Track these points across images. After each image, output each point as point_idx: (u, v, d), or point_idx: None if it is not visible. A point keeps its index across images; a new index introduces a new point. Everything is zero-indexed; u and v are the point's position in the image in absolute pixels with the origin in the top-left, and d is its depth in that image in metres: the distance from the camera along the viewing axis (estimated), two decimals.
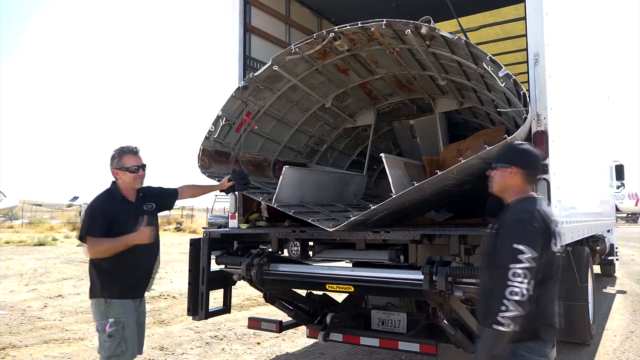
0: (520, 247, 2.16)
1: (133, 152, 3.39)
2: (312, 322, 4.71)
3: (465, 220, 4.39)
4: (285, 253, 4.55)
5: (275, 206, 4.25)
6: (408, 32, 3.74)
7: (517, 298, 2.11)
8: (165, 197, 3.67)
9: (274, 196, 4.29)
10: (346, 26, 3.98)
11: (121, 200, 3.36)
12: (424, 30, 3.66)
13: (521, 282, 2.12)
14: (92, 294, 3.27)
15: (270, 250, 4.54)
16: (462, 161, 3.17)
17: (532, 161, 2.49)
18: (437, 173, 3.31)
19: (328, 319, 4.27)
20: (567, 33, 4.79)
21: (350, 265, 4.54)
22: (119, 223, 3.23)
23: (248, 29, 5.22)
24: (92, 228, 3.18)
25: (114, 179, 3.40)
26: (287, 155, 5.42)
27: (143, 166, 3.40)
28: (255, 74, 4.46)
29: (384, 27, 3.83)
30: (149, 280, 3.49)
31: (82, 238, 3.22)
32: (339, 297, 4.90)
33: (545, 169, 3.52)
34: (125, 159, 3.34)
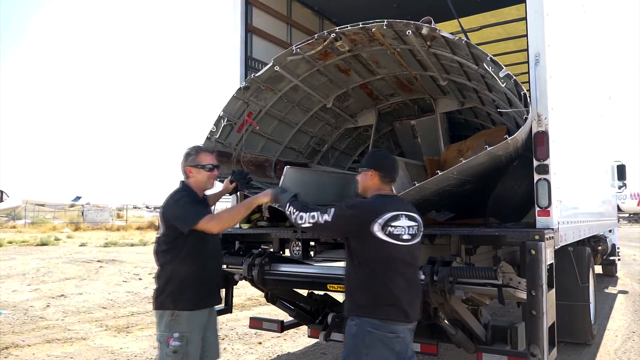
0: (332, 210, 2.71)
1: (209, 151, 3.34)
2: (314, 322, 4.73)
3: (466, 220, 4.39)
4: (287, 253, 4.56)
5: (276, 206, 4.26)
6: (409, 32, 3.75)
7: (301, 221, 2.79)
8: (207, 205, 3.51)
9: None
10: (347, 27, 3.99)
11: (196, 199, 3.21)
12: (424, 31, 3.67)
13: (311, 216, 2.75)
14: (159, 305, 3.08)
15: (271, 250, 4.55)
16: (463, 161, 3.19)
17: (386, 164, 2.88)
18: (438, 173, 3.32)
19: (329, 318, 4.29)
20: (568, 33, 4.78)
21: None
22: None
23: (249, 30, 5.23)
24: (196, 211, 3.00)
25: (182, 179, 3.26)
26: (289, 155, 5.44)
27: (217, 167, 3.31)
28: (257, 75, 4.46)
29: (385, 27, 3.84)
30: (220, 288, 3.38)
31: (193, 227, 2.97)
32: (340, 297, 4.90)
33: (545, 169, 3.53)
34: (202, 157, 3.23)
